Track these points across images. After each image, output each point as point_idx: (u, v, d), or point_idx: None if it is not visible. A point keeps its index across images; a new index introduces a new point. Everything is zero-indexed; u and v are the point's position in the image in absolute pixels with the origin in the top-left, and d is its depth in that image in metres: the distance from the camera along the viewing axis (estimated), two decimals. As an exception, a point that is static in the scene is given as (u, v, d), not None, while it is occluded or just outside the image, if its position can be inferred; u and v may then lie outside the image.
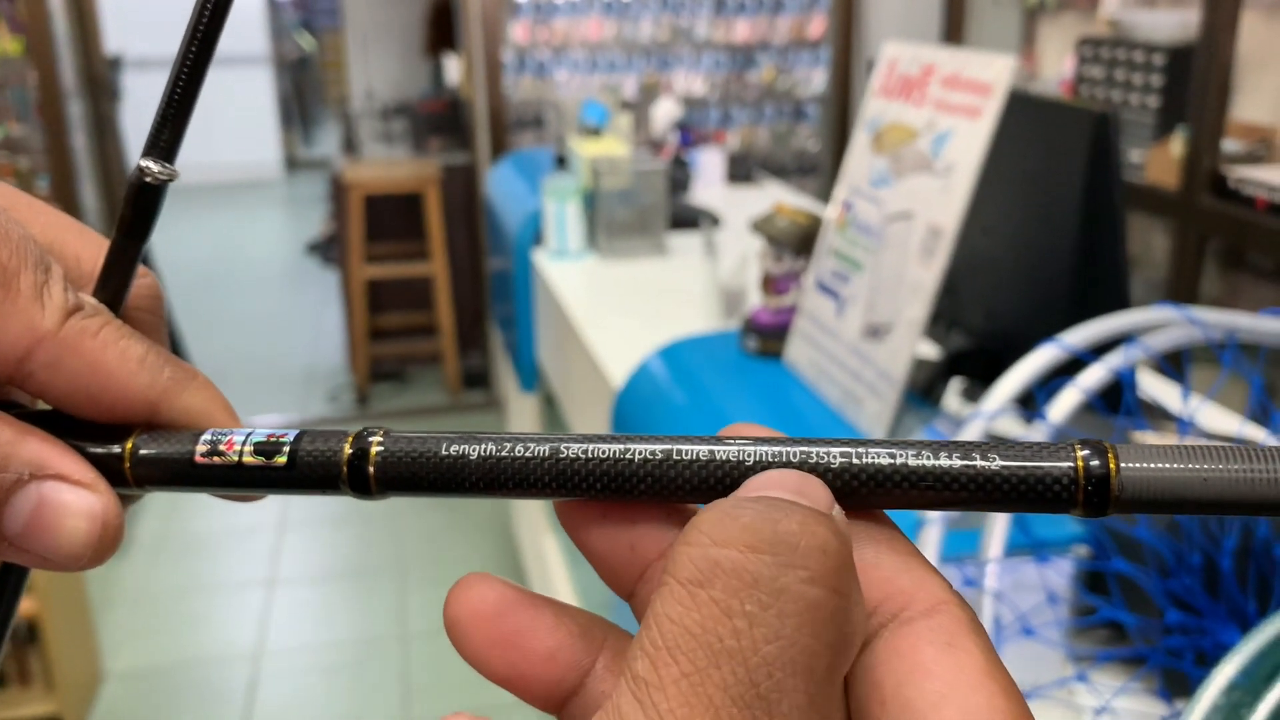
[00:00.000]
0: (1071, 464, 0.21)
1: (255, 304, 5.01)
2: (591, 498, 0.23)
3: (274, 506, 2.99)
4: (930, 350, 1.17)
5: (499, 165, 2.73)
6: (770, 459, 0.22)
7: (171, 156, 0.26)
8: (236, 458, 0.24)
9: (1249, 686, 0.58)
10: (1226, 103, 2.23)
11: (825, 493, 0.21)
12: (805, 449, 0.22)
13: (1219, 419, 1.06)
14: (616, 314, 1.64)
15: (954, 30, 3.19)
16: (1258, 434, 0.92)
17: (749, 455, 0.22)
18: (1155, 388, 1.13)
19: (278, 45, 7.72)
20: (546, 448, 0.23)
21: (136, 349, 0.25)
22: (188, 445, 0.24)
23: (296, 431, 0.24)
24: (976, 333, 1.12)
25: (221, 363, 4.12)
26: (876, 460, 0.22)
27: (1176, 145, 2.33)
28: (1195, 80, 2.24)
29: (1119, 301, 0.95)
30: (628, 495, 0.23)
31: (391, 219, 3.72)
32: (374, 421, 3.65)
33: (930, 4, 3.25)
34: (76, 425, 0.25)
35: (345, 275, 3.69)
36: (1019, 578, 0.73)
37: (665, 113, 2.47)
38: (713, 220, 2.05)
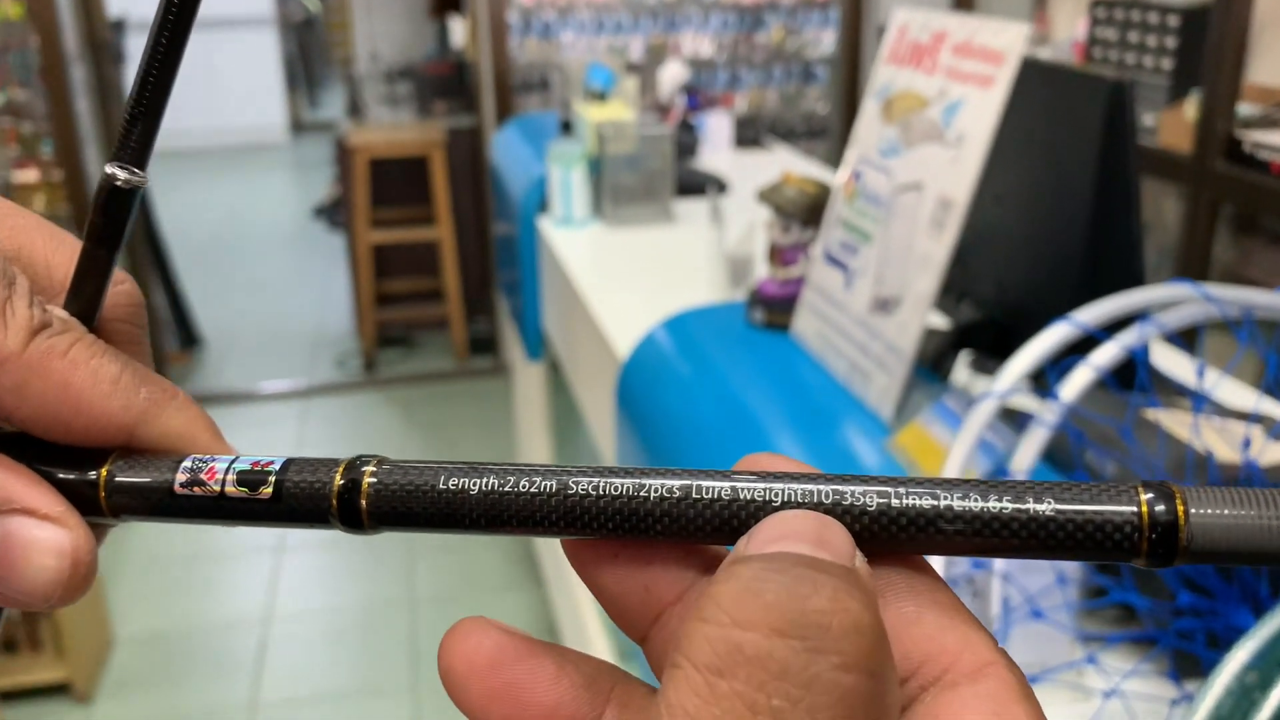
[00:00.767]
0: (1135, 509, 0.19)
1: (262, 269, 5.00)
2: (602, 537, 0.21)
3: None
4: (940, 321, 1.16)
5: (504, 129, 2.71)
6: (799, 499, 0.20)
7: (143, 160, 0.24)
8: (219, 488, 0.23)
9: (1263, 670, 0.57)
10: (1242, 65, 2.19)
11: (846, 539, 0.19)
12: (838, 488, 0.20)
13: (1234, 394, 1.04)
14: (622, 283, 1.62)
15: (966, -10, 3.14)
16: (1274, 409, 0.91)
17: (776, 495, 0.20)
18: (1169, 361, 1.12)
19: (282, 6, 7.65)
20: (554, 483, 0.21)
21: (110, 368, 0.23)
22: (166, 473, 0.23)
23: (283, 460, 0.23)
24: (987, 304, 1.10)
25: (229, 328, 4.11)
26: (917, 502, 0.20)
27: (1190, 108, 2.29)
28: (1210, 42, 2.21)
29: (1132, 274, 0.93)
30: (642, 535, 0.21)
31: (397, 183, 3.70)
32: (383, 386, 3.64)
33: (942, -37, 3.20)
34: (48, 449, 0.23)
35: (351, 240, 3.67)
36: (1028, 559, 0.72)
37: (672, 75, 2.43)
38: (719, 187, 2.03)
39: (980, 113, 0.91)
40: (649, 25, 3.36)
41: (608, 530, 0.21)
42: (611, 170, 1.84)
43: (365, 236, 3.57)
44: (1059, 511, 0.20)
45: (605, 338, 1.39)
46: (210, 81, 7.22)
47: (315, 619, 2.45)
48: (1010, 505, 0.20)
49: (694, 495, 0.21)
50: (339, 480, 0.22)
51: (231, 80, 7.32)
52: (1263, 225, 2.36)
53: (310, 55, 8.29)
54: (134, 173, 0.24)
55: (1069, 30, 2.90)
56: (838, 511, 0.20)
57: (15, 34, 2.94)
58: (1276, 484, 0.70)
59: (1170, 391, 0.97)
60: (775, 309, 1.21)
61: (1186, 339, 0.81)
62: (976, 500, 0.20)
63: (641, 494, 0.21)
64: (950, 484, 0.20)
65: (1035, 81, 0.97)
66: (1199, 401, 0.82)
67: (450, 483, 0.22)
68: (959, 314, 1.12)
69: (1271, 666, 0.58)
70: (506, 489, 0.21)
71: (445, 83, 3.79)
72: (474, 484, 0.22)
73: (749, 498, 0.20)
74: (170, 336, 3.76)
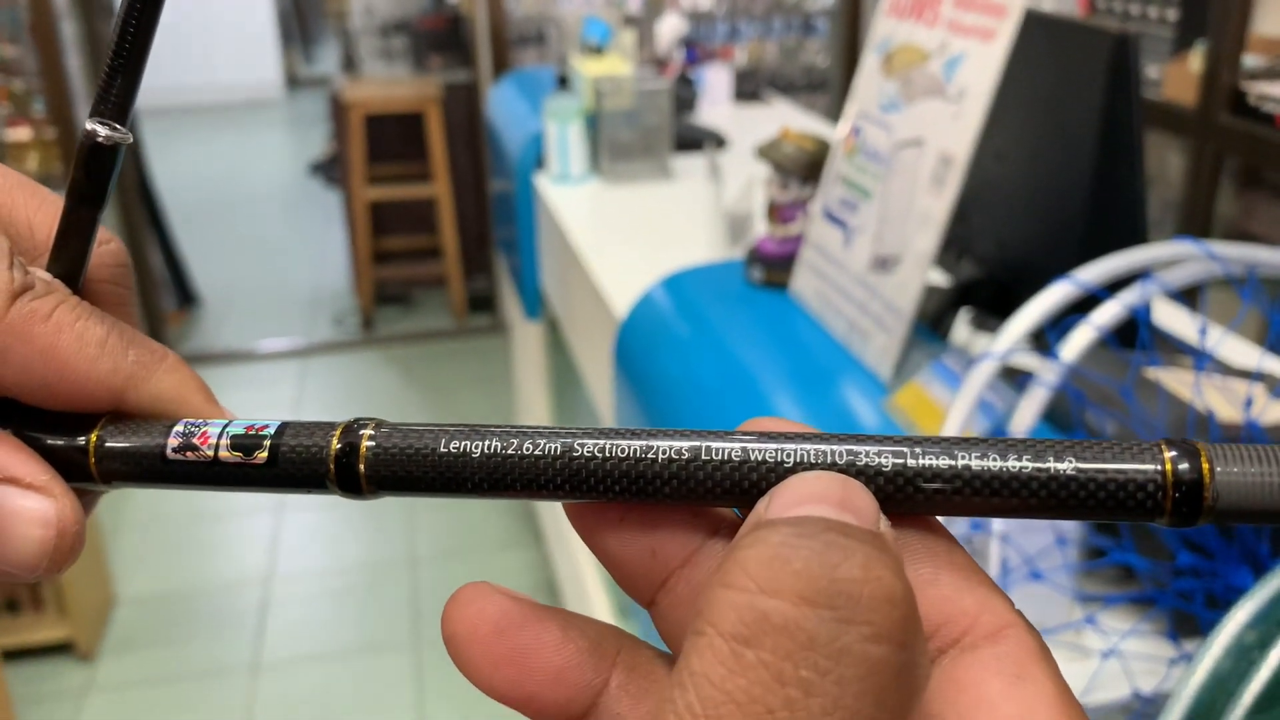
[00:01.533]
0: (1158, 467, 0.19)
1: (259, 227, 4.98)
2: (610, 500, 0.21)
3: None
4: (940, 279, 1.14)
5: (500, 85, 2.68)
6: (813, 459, 0.19)
7: (124, 115, 0.23)
8: (212, 453, 0.22)
9: (1262, 630, 0.57)
10: (1248, 16, 2.16)
11: (871, 502, 0.18)
12: (852, 448, 0.19)
13: (1237, 353, 1.03)
14: (620, 240, 1.61)
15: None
16: (1276, 368, 0.90)
17: (788, 456, 0.20)
18: (1171, 320, 1.11)
19: (275, -41, 7.55)
20: (558, 445, 0.21)
21: (95, 331, 0.22)
22: (158, 438, 0.22)
23: (278, 423, 0.22)
24: (987, 262, 1.09)
25: (226, 287, 4.10)
26: (933, 462, 0.19)
27: (1195, 61, 2.26)
28: (1217, -8, 2.18)
29: (1135, 232, 0.92)
30: (649, 497, 0.20)
31: (393, 139, 3.67)
32: (381, 345, 3.64)
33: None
34: (36, 415, 0.23)
35: (348, 197, 3.65)
36: (1027, 520, 0.72)
37: (670, 28, 2.40)
38: (717, 142, 2.01)
39: (982, 67, 0.89)
40: (647, -23, 3.31)
41: (614, 493, 0.21)
42: (609, 126, 1.82)
43: (362, 194, 3.55)
44: (1080, 470, 0.19)
45: (603, 296, 1.38)
46: (204, 37, 7.14)
47: (316, 578, 2.46)
48: (1030, 464, 0.19)
49: (703, 457, 0.20)
50: (336, 444, 0.22)
51: (225, 36, 7.24)
52: (1267, 179, 2.34)
53: (304, 9, 8.19)
54: (115, 128, 0.23)
55: (1072, -19, 2.85)
56: (851, 472, 0.19)
57: (4, -11, 2.90)
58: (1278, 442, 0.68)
59: (1172, 350, 0.96)
60: (774, 267, 1.20)
61: (1189, 297, 0.80)
62: (995, 459, 0.19)
63: (649, 456, 0.20)
64: (968, 443, 0.20)
65: (1038, 35, 0.95)
66: (1201, 360, 0.81)
67: (452, 446, 0.21)
68: (959, 271, 1.11)
69: (1271, 627, 0.58)
70: (509, 452, 0.21)
71: (441, 37, 3.75)
72: (476, 447, 0.21)
73: (760, 459, 0.20)
74: (167, 296, 3.74)
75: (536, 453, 0.21)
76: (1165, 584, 0.71)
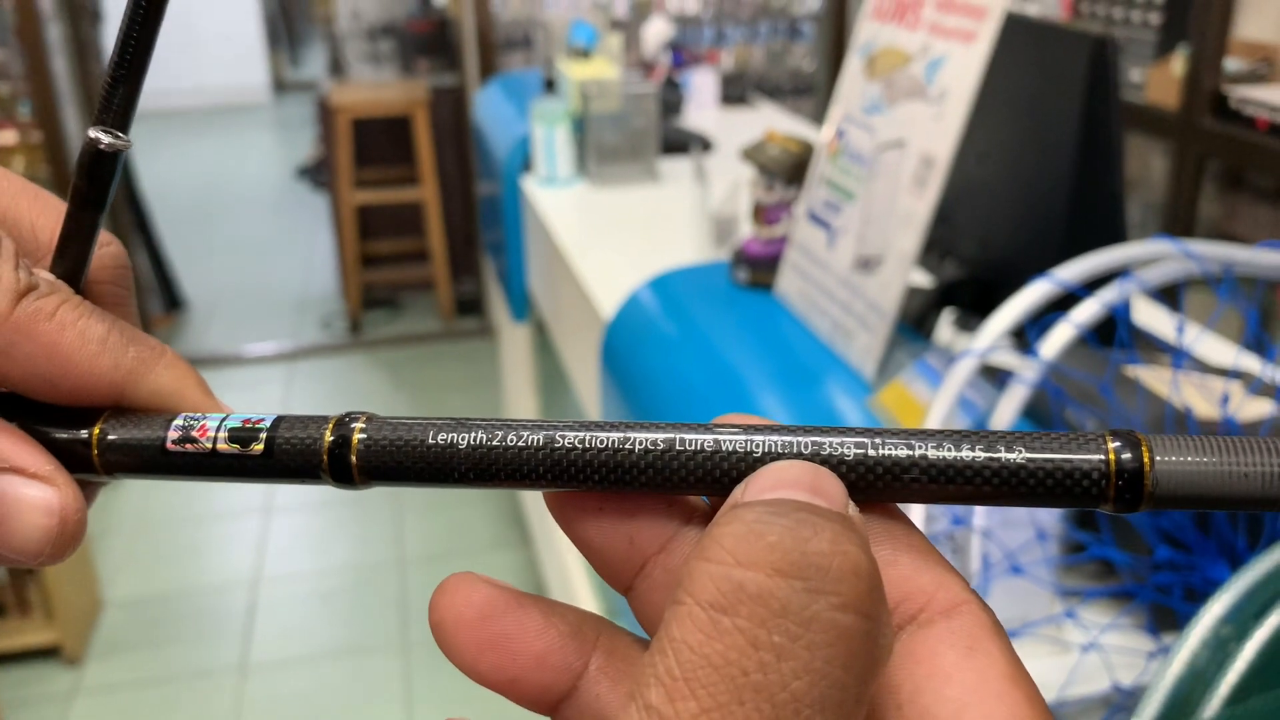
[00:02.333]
0: (1102, 457, 0.20)
1: (246, 230, 4.97)
2: (590, 489, 0.22)
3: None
4: (923, 279, 1.15)
5: (487, 88, 2.68)
6: (780, 450, 0.21)
7: (125, 123, 0.24)
8: (210, 445, 0.23)
9: (1238, 623, 0.58)
10: (1229, 20, 2.18)
11: (840, 488, 0.19)
12: (817, 439, 0.21)
13: (1215, 351, 1.05)
14: (607, 243, 1.61)
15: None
16: (1254, 365, 0.91)
17: (756, 446, 0.21)
18: (1150, 319, 1.12)
19: (262, -37, 7.54)
20: (541, 436, 0.22)
21: (97, 328, 0.23)
22: (158, 431, 0.23)
23: (274, 416, 0.23)
24: (970, 262, 1.10)
25: (212, 291, 4.09)
26: (893, 452, 0.20)
27: (1178, 64, 2.28)
28: (1198, -4, 2.19)
29: (1115, 232, 0.93)
30: (626, 486, 0.21)
31: (380, 143, 3.67)
32: (368, 348, 3.64)
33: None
34: (41, 410, 0.24)
35: (335, 201, 3.65)
36: (1007, 515, 0.72)
37: (657, 32, 2.41)
38: (703, 145, 2.02)
39: (963, 69, 0.90)
40: (633, -19, 3.32)
41: (594, 482, 0.21)
42: (595, 129, 1.83)
43: (349, 197, 3.55)
44: (1029, 460, 0.20)
45: (589, 298, 1.39)
46: (191, 41, 7.12)
47: (304, 580, 2.46)
48: (983, 454, 0.20)
49: (678, 447, 0.21)
50: (329, 436, 0.22)
51: (212, 39, 7.22)
52: (1249, 181, 2.36)
53: (291, 13, 8.18)
54: (117, 136, 0.24)
55: (1056, -15, 2.87)
56: (817, 461, 0.21)
57: (-11, -7, 2.89)
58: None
59: (1151, 348, 0.97)
60: (759, 268, 1.20)
61: (1169, 295, 0.81)
62: (950, 450, 0.20)
63: (626, 446, 0.21)
64: (925, 434, 0.21)
65: (1018, 38, 0.96)
66: (1179, 358, 0.82)
67: (439, 438, 0.22)
68: (942, 272, 1.12)
69: (1246, 619, 0.59)
70: (494, 443, 0.22)
71: (428, 40, 3.75)
72: (462, 438, 0.22)
73: (731, 449, 0.21)
74: (154, 299, 3.74)
75: (520, 444, 0.22)
76: (1144, 578, 0.72)
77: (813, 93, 3.52)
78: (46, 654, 2.16)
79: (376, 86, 3.69)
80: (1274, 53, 2.27)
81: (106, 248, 0.26)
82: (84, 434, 0.23)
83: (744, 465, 0.21)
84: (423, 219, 3.64)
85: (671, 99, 2.27)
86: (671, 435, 0.21)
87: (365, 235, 3.74)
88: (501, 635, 0.22)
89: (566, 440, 0.21)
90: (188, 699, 2.10)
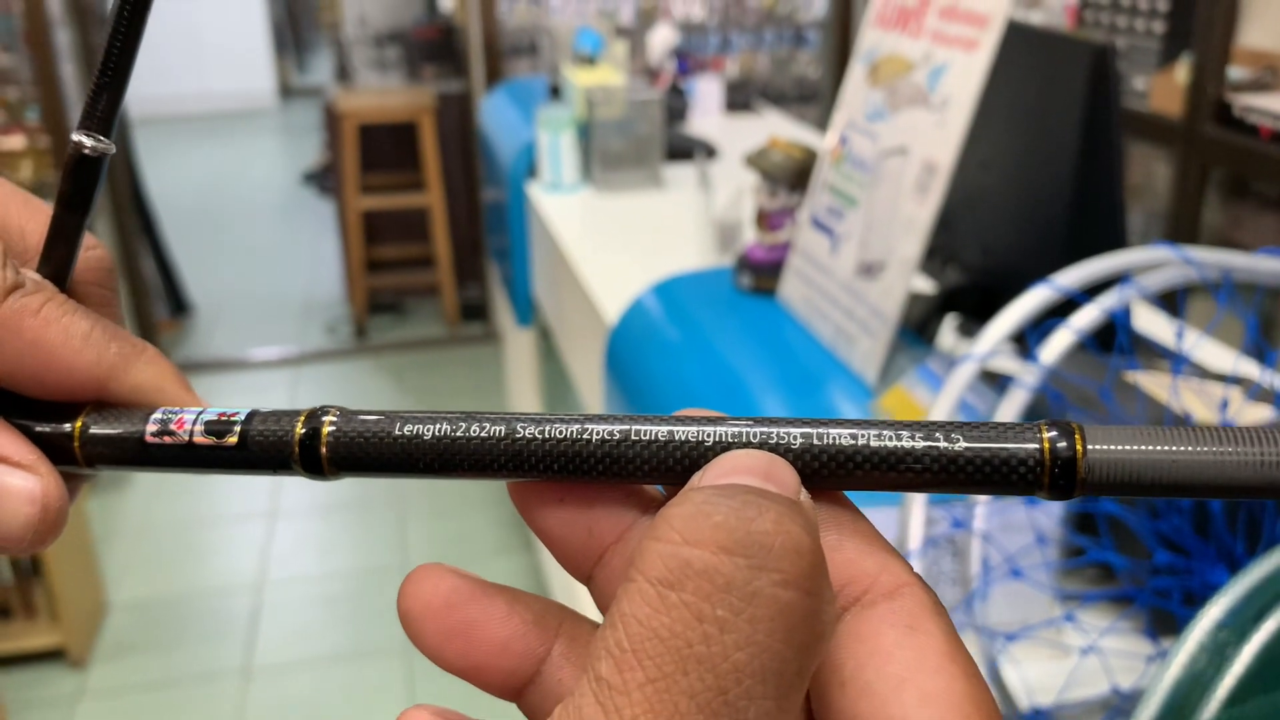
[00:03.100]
0: (1037, 446, 0.21)
1: (252, 235, 4.98)
2: (549, 479, 0.23)
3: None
4: (925, 285, 1.16)
5: (493, 94, 2.70)
6: (730, 440, 0.22)
7: (109, 128, 0.25)
8: (187, 437, 0.24)
9: (1236, 626, 0.58)
10: (1233, 28, 2.18)
11: (793, 476, 0.20)
12: (765, 429, 0.22)
13: (1214, 356, 1.05)
14: (611, 248, 1.62)
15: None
16: (1252, 371, 0.92)
17: (708, 436, 0.22)
18: (1150, 324, 1.13)
19: (269, -31, 7.57)
20: (502, 428, 0.22)
21: (81, 325, 0.24)
22: (138, 424, 0.24)
23: (248, 411, 0.24)
24: (972, 269, 1.11)
25: (218, 296, 4.10)
26: (838, 441, 0.21)
27: (1181, 72, 2.29)
28: (1202, 5, 2.20)
29: (1116, 238, 0.94)
30: (585, 476, 0.22)
31: (386, 149, 3.68)
32: (373, 353, 3.64)
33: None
34: (25, 404, 0.24)
35: (341, 206, 3.66)
36: (1007, 519, 0.73)
37: (662, 39, 2.42)
38: (707, 152, 2.03)
39: (965, 76, 0.91)
40: (639, -11, 3.33)
41: (553, 472, 0.22)
42: (600, 135, 1.84)
43: (355, 203, 3.56)
44: (968, 448, 0.21)
45: (594, 303, 1.39)
46: (197, 46, 7.15)
47: (308, 584, 2.46)
48: (923, 443, 0.21)
49: (633, 437, 0.22)
50: (300, 429, 0.23)
51: (219, 45, 7.24)
52: (1252, 189, 2.36)
53: (298, 19, 8.21)
54: (99, 139, 0.25)
55: (1060, -7, 2.88)
56: (765, 449, 0.21)
57: (-2, -2, 2.91)
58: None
59: (1150, 354, 0.98)
60: (762, 274, 1.21)
61: (1168, 301, 0.82)
62: (891, 439, 0.21)
63: (584, 437, 0.22)
64: (869, 423, 0.22)
65: (1020, 46, 0.97)
66: (1178, 363, 0.83)
67: (405, 429, 0.23)
68: (944, 278, 1.12)
69: (1245, 623, 0.59)
70: (458, 434, 0.23)
71: (434, 47, 3.77)
72: (427, 430, 0.23)
73: (684, 439, 0.22)
74: (160, 304, 3.75)
75: (483, 435, 0.22)
76: (1143, 582, 0.73)
77: (817, 100, 3.53)
78: (51, 656, 2.17)
79: (383, 93, 3.70)
80: (1278, 61, 2.28)
81: (92, 251, 0.27)
82: (67, 427, 0.24)
83: (696, 454, 0.21)
84: (428, 225, 3.65)
85: (676, 106, 2.28)
86: (627, 426, 0.22)
87: (371, 240, 3.75)
88: (466, 623, 0.23)
89: (526, 431, 0.22)
90: (192, 702, 2.11)
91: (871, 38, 1.07)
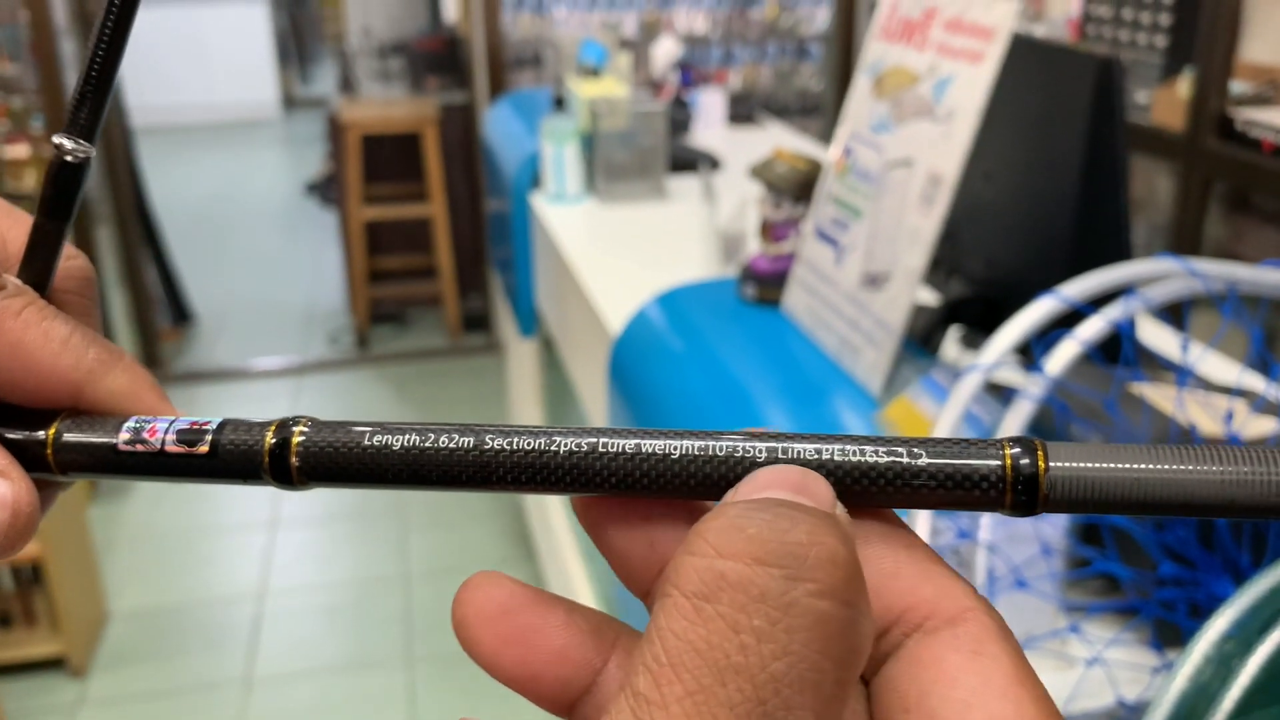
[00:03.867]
0: (1000, 462, 0.21)
1: (254, 245, 4.99)
2: (515, 490, 0.23)
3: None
4: (930, 297, 1.16)
5: (497, 105, 2.70)
6: (696, 451, 0.22)
7: (92, 134, 0.25)
8: (159, 445, 0.24)
9: (1242, 638, 0.58)
10: (1235, 43, 2.19)
11: (827, 490, 0.20)
12: (732, 442, 0.22)
13: (1218, 369, 1.05)
14: (615, 259, 1.62)
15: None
16: (1257, 384, 0.92)
17: (674, 449, 0.22)
18: (1155, 337, 1.13)
19: (274, -19, 7.59)
20: (470, 439, 0.22)
21: (60, 330, 0.24)
22: (111, 432, 0.24)
23: (220, 420, 0.24)
24: (976, 280, 1.11)
25: (221, 305, 4.11)
26: (801, 455, 0.21)
27: (1184, 86, 2.29)
28: (1204, 20, 2.21)
29: (1120, 251, 0.94)
30: (550, 488, 0.22)
31: (390, 159, 3.69)
32: (376, 363, 3.65)
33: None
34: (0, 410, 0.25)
35: (344, 216, 3.67)
36: (1013, 530, 0.73)
37: (665, 51, 2.43)
38: (711, 164, 2.03)
39: (970, 88, 0.91)
40: (642, 1, 3.35)
41: (521, 483, 0.22)
42: (604, 146, 1.84)
43: (358, 213, 3.57)
44: (930, 464, 0.21)
45: (597, 314, 1.40)
46: (201, 57, 7.17)
47: (309, 594, 2.46)
48: (885, 458, 0.21)
49: (600, 449, 0.22)
50: (270, 439, 0.23)
51: (223, 56, 7.27)
52: (1254, 203, 2.37)
53: (302, 30, 8.24)
54: (80, 143, 0.25)
55: (1063, 8, 2.89)
56: (731, 461, 0.21)
57: (5, 8, 2.92)
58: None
59: (1155, 366, 0.98)
60: (766, 284, 1.21)
61: (1173, 314, 0.82)
62: (854, 454, 0.21)
63: (551, 449, 0.22)
64: (834, 438, 0.22)
65: (1025, 58, 0.97)
66: (1183, 376, 0.83)
67: (375, 440, 0.23)
68: (948, 290, 1.12)
69: (1251, 635, 0.59)
70: (426, 445, 0.23)
71: (438, 58, 3.78)
72: (396, 441, 0.23)
73: (650, 451, 0.22)
74: (162, 313, 3.75)
75: (451, 446, 0.22)
76: (1148, 593, 0.73)
77: (820, 112, 3.54)
78: (52, 665, 2.16)
79: (386, 103, 3.71)
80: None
81: (73, 260, 0.27)
82: (41, 434, 0.24)
83: (662, 467, 0.22)
84: (431, 235, 3.66)
85: (680, 118, 2.29)
86: (594, 439, 0.22)
87: (373, 251, 3.76)
88: (524, 629, 0.22)
89: (495, 443, 0.22)
90: (192, 712, 2.10)
91: (876, 50, 1.08)
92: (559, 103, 2.24)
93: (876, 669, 0.20)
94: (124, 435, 0.24)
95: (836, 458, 0.21)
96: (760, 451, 0.21)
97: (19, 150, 2.98)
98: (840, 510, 0.20)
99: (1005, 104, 0.95)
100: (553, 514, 2.13)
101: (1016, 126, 1.03)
